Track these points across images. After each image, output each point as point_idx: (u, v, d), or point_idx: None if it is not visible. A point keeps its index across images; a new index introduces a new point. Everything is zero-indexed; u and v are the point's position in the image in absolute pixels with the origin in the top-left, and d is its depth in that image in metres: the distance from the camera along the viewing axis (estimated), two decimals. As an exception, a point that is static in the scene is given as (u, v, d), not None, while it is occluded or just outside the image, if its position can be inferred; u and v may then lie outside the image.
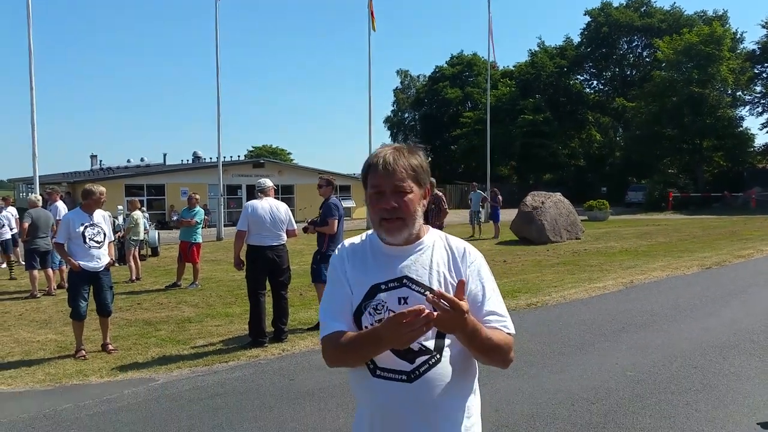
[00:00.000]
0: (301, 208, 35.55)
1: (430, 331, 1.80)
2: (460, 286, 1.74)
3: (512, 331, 1.93)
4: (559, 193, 21.65)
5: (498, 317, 1.92)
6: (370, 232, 2.04)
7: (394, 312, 1.82)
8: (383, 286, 1.91)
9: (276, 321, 7.54)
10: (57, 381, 6.14)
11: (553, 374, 5.79)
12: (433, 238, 2.02)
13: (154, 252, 17.93)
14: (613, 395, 5.20)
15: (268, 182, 7.92)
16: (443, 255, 1.98)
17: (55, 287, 11.39)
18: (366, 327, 1.89)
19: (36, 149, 17.19)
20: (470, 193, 23.74)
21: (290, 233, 7.68)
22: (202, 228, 12.60)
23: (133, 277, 12.84)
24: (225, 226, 24.88)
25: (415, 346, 1.83)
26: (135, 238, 13.29)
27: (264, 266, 7.41)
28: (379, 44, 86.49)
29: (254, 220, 7.36)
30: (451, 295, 1.70)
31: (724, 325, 7.67)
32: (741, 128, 44.96)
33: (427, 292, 1.84)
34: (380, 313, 1.89)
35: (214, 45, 23.70)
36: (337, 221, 7.72)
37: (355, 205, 37.92)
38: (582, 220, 22.54)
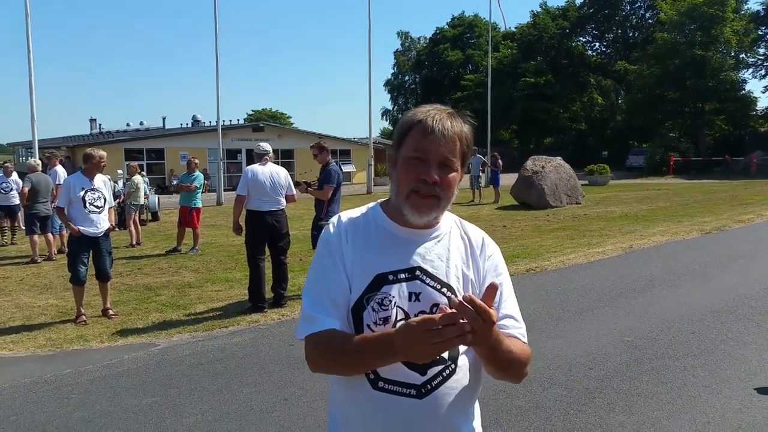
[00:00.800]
0: (302, 172, 35.43)
1: None
2: (492, 292, 1.41)
3: (527, 339, 1.67)
4: (559, 158, 21.55)
5: (515, 323, 1.65)
6: (372, 205, 1.71)
7: (404, 310, 1.55)
8: (391, 277, 1.57)
9: (275, 286, 7.56)
10: (58, 346, 6.18)
11: (550, 339, 5.83)
12: (449, 223, 1.71)
13: (154, 217, 17.93)
14: (611, 360, 5.24)
15: (267, 146, 7.86)
16: (460, 245, 1.68)
17: (56, 252, 11.40)
18: (368, 326, 1.54)
19: (35, 113, 17.11)
20: (470, 157, 23.61)
21: (289, 198, 7.66)
22: (202, 193, 12.57)
23: (134, 242, 12.85)
24: (225, 190, 24.82)
25: None
26: (135, 202, 13.28)
27: (263, 231, 7.40)
28: (380, 5, 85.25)
29: (254, 185, 7.32)
30: (477, 299, 1.37)
31: (723, 291, 7.69)
32: (743, 91, 44.53)
33: (450, 294, 1.57)
34: (386, 310, 1.54)
35: (213, 4, 23.34)
36: (333, 188, 7.67)
37: (355, 170, 37.78)
38: (582, 185, 22.48)
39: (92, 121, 50.11)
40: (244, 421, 4.20)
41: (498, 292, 1.55)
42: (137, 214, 13.56)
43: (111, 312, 7.23)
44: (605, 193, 24.66)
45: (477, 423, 1.69)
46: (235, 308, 7.47)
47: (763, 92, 56.32)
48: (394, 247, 1.61)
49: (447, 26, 62.99)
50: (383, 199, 1.71)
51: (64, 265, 8.05)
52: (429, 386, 1.53)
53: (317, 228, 7.76)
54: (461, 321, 1.33)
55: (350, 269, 1.59)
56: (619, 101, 57.60)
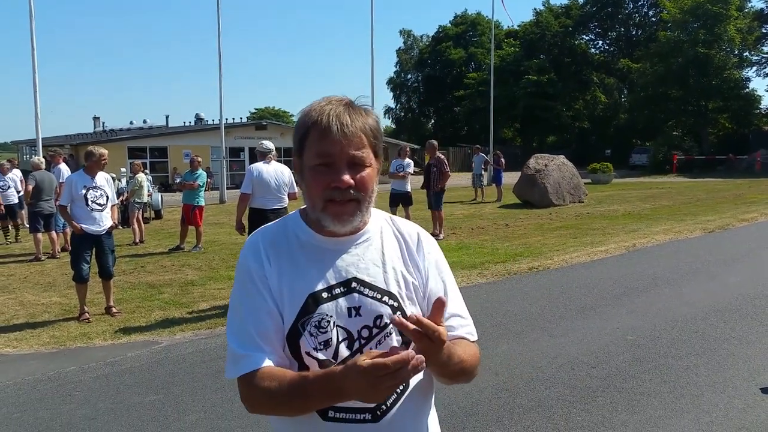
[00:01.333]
0: (304, 170, 35.39)
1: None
2: (440, 307, 1.28)
3: (476, 336, 1.56)
4: (562, 156, 21.53)
5: (462, 321, 1.53)
6: (291, 216, 1.55)
7: (344, 328, 1.41)
8: (325, 294, 1.42)
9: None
10: (61, 344, 6.20)
11: (553, 338, 5.82)
12: (378, 223, 1.55)
13: (158, 215, 17.96)
14: (614, 359, 5.23)
15: (271, 145, 7.85)
16: (394, 245, 1.53)
17: (59, 250, 11.43)
18: (307, 353, 1.39)
19: (38, 111, 17.11)
20: (473, 155, 23.59)
21: (291, 196, 7.67)
22: (205, 191, 12.58)
23: (137, 240, 12.87)
24: (228, 188, 24.86)
25: None
26: (138, 200, 13.31)
27: None
28: (382, 3, 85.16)
29: (259, 184, 7.32)
30: (425, 320, 1.25)
31: (726, 290, 7.67)
32: (747, 90, 44.38)
33: (392, 302, 1.44)
34: (325, 332, 1.39)
35: (216, 2, 23.35)
36: None
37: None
38: (585, 183, 22.45)
39: (96, 119, 50.18)
40: (247, 420, 4.20)
41: (443, 292, 1.51)
42: (140, 212, 13.59)
43: (114, 310, 7.24)
44: (608, 192, 24.62)
45: (434, 423, 1.58)
46: (238, 306, 7.46)
47: (767, 90, 56.02)
48: (323, 260, 1.46)
49: (449, 24, 62.89)
50: (303, 207, 1.54)
51: (67, 262, 8.07)
52: (384, 407, 1.41)
53: None
54: (415, 359, 1.19)
55: (278, 295, 1.42)
56: (622, 99, 57.49)
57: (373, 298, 1.44)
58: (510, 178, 22.81)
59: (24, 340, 6.34)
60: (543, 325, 6.26)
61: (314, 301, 1.41)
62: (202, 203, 12.27)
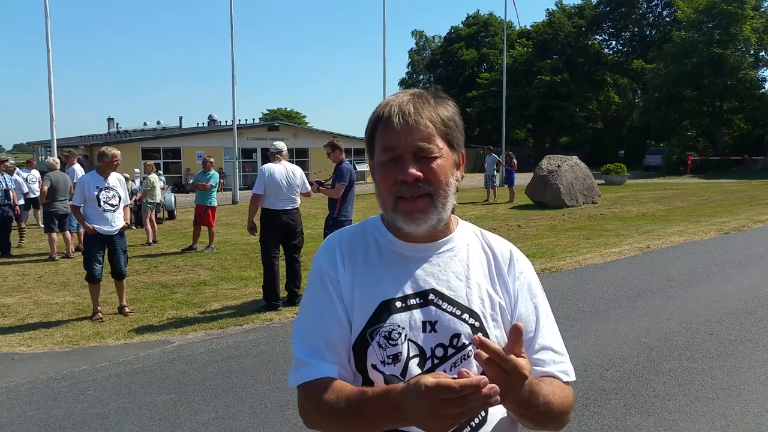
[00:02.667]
0: (316, 171, 35.51)
1: None
2: (517, 336, 1.13)
3: (572, 376, 1.37)
4: (575, 157, 21.40)
5: (554, 356, 1.36)
6: (373, 219, 1.43)
7: (417, 344, 1.27)
8: (399, 303, 1.30)
9: (289, 284, 7.57)
10: (75, 343, 6.23)
11: (566, 340, 5.68)
12: (466, 234, 1.42)
13: (171, 215, 18.05)
14: (627, 362, 5.19)
15: (282, 145, 7.86)
16: (482, 260, 1.39)
17: (74, 250, 11.51)
18: (373, 366, 1.27)
19: (53, 112, 17.26)
20: (485, 156, 23.51)
21: (306, 194, 7.74)
22: (218, 191, 12.63)
23: (150, 240, 12.94)
24: (240, 189, 24.94)
25: None
26: (151, 201, 13.39)
27: (278, 230, 7.42)
28: (395, 5, 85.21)
29: (271, 184, 7.34)
30: (503, 353, 1.10)
31: (742, 292, 7.59)
32: (763, 90, 44.08)
33: (473, 321, 1.30)
34: (395, 345, 1.27)
35: (229, 4, 23.47)
36: (345, 187, 7.67)
37: (369, 169, 37.80)
38: (599, 184, 22.31)
39: (110, 120, 50.52)
40: (258, 419, 4.20)
41: (534, 319, 1.36)
42: (153, 212, 13.66)
43: (127, 309, 7.28)
44: (622, 193, 24.46)
45: None
46: (250, 306, 7.49)
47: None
48: (400, 267, 1.33)
49: (462, 25, 62.81)
50: None
51: (81, 262, 8.12)
52: None
53: (330, 227, 7.75)
54: (488, 387, 1.05)
55: (349, 299, 1.32)
56: (636, 100, 57.15)
57: (451, 314, 1.30)
58: (522, 179, 22.72)
59: (38, 339, 6.38)
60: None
61: (386, 309, 1.29)
62: (215, 204, 12.32)
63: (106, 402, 4.60)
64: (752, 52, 42.81)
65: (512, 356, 1.11)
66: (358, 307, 1.31)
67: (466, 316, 1.30)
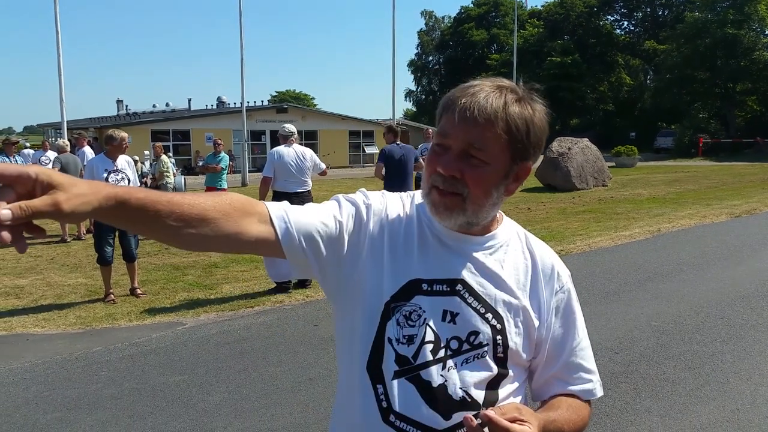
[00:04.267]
0: (325, 154, 35.52)
1: (478, 379, 1.25)
2: (512, 412, 1.14)
3: (599, 394, 1.37)
4: (586, 139, 21.26)
5: (584, 374, 1.35)
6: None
7: (434, 330, 1.25)
8: (425, 286, 1.26)
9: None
10: (87, 324, 6.30)
11: (576, 323, 5.77)
12: (509, 233, 1.36)
13: (180, 197, 18.09)
14: (637, 345, 5.19)
15: (292, 128, 7.86)
16: (520, 264, 1.34)
17: (85, 232, 11.59)
18: (389, 340, 1.25)
19: (63, 94, 17.30)
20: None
21: (322, 173, 8.09)
22: (227, 174, 12.65)
23: None
24: (249, 171, 24.98)
25: (457, 394, 1.23)
26: (170, 182, 13.48)
27: None
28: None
29: (280, 167, 7.35)
30: (499, 419, 1.10)
31: (753, 275, 7.56)
32: (777, 71, 43.41)
33: (495, 337, 1.27)
34: (413, 327, 1.24)
35: (236, -13, 23.35)
36: (383, 167, 8.29)
37: (378, 152, 37.76)
38: (609, 167, 22.19)
39: (119, 102, 50.59)
40: (270, 400, 4.24)
41: (566, 336, 1.34)
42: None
43: (139, 291, 7.34)
44: (633, 176, 24.32)
45: None
46: (260, 288, 7.53)
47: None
48: (437, 251, 1.29)
49: (472, 5, 62.24)
50: None
51: (92, 244, 8.16)
52: None
53: None
54: None
55: (373, 267, 1.27)
56: (648, 81, 56.59)
57: (475, 309, 1.26)
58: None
59: (51, 320, 6.45)
60: (565, 309, 6.21)
61: (413, 288, 1.25)
62: (225, 186, 12.32)
63: (120, 383, 4.66)
64: (767, 32, 42.23)
65: (513, 428, 1.10)
66: (387, 278, 1.26)
67: (489, 315, 1.27)
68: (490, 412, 1.11)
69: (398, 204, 1.34)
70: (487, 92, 1.20)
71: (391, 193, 1.38)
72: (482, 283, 1.28)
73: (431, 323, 1.25)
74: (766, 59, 41.59)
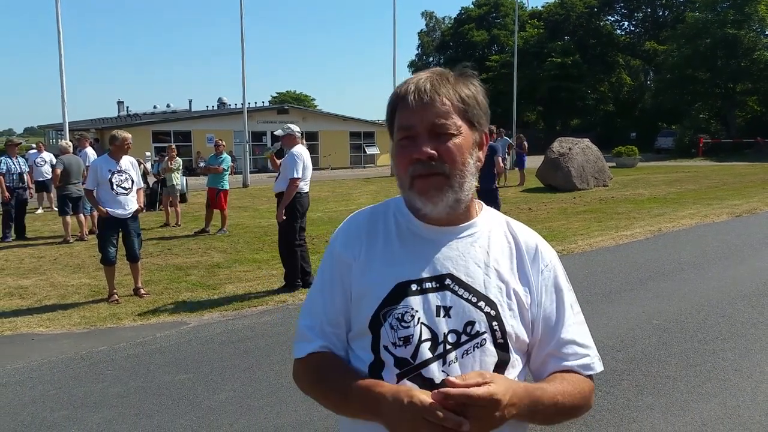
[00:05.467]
0: (326, 154, 35.60)
1: (480, 368, 1.27)
2: (474, 378, 1.16)
3: (598, 368, 1.37)
4: (586, 139, 21.29)
5: (578, 349, 1.35)
6: (397, 199, 1.40)
7: (431, 328, 1.27)
8: (414, 286, 1.29)
9: (303, 266, 7.61)
10: (92, 324, 6.34)
11: (578, 322, 5.80)
12: (490, 219, 1.40)
13: (182, 198, 18.13)
14: (639, 343, 5.22)
15: (298, 128, 7.84)
16: (504, 248, 1.37)
17: (87, 232, 11.63)
18: (385, 347, 1.28)
19: (65, 96, 17.33)
20: (496, 139, 23.45)
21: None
22: (229, 175, 12.70)
23: (179, 222, 13.16)
24: (250, 172, 24.99)
25: None
26: (176, 183, 13.57)
27: (304, 213, 7.46)
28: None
29: (306, 168, 7.29)
30: (459, 389, 1.13)
31: (754, 274, 7.59)
32: (778, 71, 43.38)
33: (491, 323, 1.28)
34: (407, 328, 1.26)
35: (237, -12, 23.37)
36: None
37: (379, 152, 37.77)
38: (610, 167, 22.20)
39: (120, 103, 50.66)
40: (275, 398, 4.28)
41: (558, 313, 1.36)
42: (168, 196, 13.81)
43: (142, 291, 7.37)
44: (633, 176, 24.34)
45: None
46: (264, 288, 7.57)
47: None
48: (419, 249, 1.32)
49: (472, 6, 62.23)
50: None
51: (95, 245, 8.21)
52: None
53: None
54: (462, 423, 1.12)
55: (361, 278, 1.33)
56: (648, 82, 56.60)
57: (467, 300, 1.28)
58: (533, 161, 22.66)
59: (56, 320, 6.49)
60: (567, 308, 6.24)
61: (402, 291, 1.28)
62: (227, 187, 12.38)
63: (126, 381, 4.69)
64: (767, 32, 42.23)
65: (472, 392, 1.13)
66: (374, 286, 1.31)
67: (482, 303, 1.29)
68: (451, 377, 1.17)
69: (366, 219, 1.40)
70: (428, 76, 1.30)
71: (353, 214, 1.46)
72: (470, 272, 1.31)
73: (426, 321, 1.27)
74: (766, 59, 41.59)
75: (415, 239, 1.34)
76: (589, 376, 1.37)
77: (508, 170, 23.16)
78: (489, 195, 9.45)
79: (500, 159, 10.06)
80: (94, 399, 4.37)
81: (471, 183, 1.31)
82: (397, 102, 1.30)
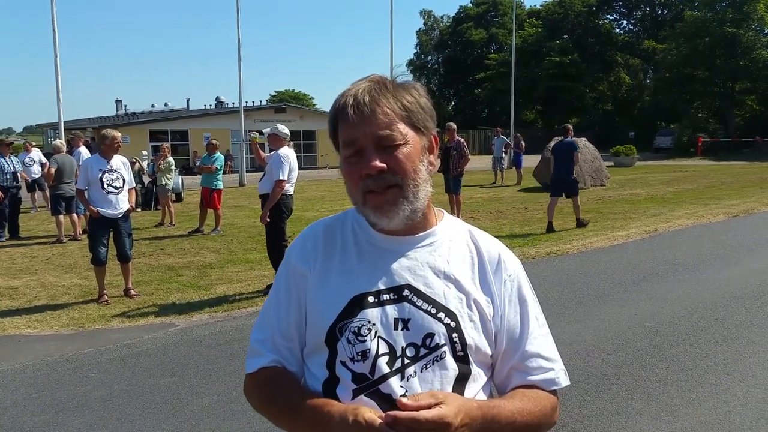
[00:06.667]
0: (323, 153, 35.53)
1: (440, 382, 1.22)
2: (426, 399, 1.12)
3: (563, 383, 1.32)
4: (584, 138, 21.21)
5: (542, 362, 1.31)
6: (353, 209, 1.34)
7: (388, 341, 1.22)
8: (371, 299, 1.25)
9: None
10: (80, 325, 6.28)
11: (569, 324, 5.76)
12: (451, 229, 1.35)
13: (178, 198, 18.09)
14: (630, 346, 5.17)
15: (287, 130, 7.79)
16: (466, 257, 1.32)
17: (81, 232, 11.56)
18: (343, 363, 1.23)
19: (60, 94, 17.23)
20: (493, 138, 23.41)
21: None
22: (224, 174, 12.63)
23: (173, 222, 13.09)
24: (247, 172, 24.93)
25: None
26: (168, 183, 13.52)
27: (289, 214, 7.43)
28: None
29: (292, 170, 7.27)
30: (404, 412, 1.09)
31: (749, 276, 7.54)
32: (777, 70, 43.35)
33: (451, 335, 1.23)
34: (364, 342, 1.22)
35: (234, -14, 23.29)
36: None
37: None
38: (608, 166, 22.17)
39: (118, 102, 50.57)
40: (260, 403, 4.22)
41: (521, 325, 1.31)
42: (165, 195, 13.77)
43: (132, 292, 7.31)
44: (631, 175, 24.30)
45: None
46: (255, 289, 7.51)
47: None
48: (376, 260, 1.29)
49: (471, 4, 62.18)
50: None
51: (87, 245, 8.16)
52: None
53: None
54: None
55: (317, 290, 1.29)
56: (647, 81, 56.56)
57: (426, 312, 1.24)
58: (531, 161, 22.59)
59: (44, 321, 6.43)
60: (560, 310, 6.20)
61: (358, 304, 1.24)
62: (221, 186, 12.31)
63: (110, 385, 4.63)
64: (766, 31, 42.18)
65: (420, 415, 1.08)
66: (330, 300, 1.26)
67: (441, 315, 1.24)
68: (403, 399, 1.13)
69: (323, 231, 1.37)
70: (365, 86, 1.25)
71: (310, 225, 1.43)
72: (429, 282, 1.26)
73: (383, 335, 1.23)
74: (765, 58, 41.55)
75: (373, 250, 1.30)
76: (554, 391, 1.32)
77: (506, 169, 23.12)
78: (571, 185, 11.57)
79: (578, 154, 11.84)
80: (77, 403, 4.31)
81: (426, 190, 1.26)
82: (337, 116, 1.26)
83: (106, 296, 7.10)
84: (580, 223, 11.59)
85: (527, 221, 12.55)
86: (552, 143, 12.11)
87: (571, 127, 12.02)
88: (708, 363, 4.77)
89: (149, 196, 15.66)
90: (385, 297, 1.25)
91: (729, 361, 4.82)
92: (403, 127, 1.23)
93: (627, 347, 5.14)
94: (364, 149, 1.22)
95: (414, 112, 1.26)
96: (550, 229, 11.14)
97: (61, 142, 12.12)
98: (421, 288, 1.26)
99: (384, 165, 1.21)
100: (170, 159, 13.85)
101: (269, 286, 7.22)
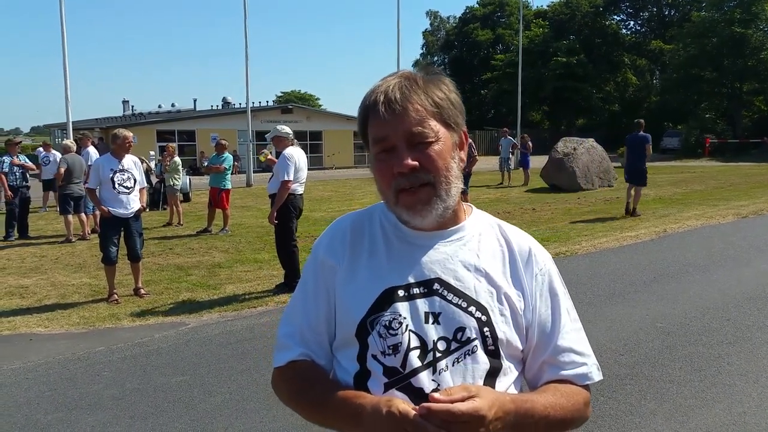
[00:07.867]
0: (329, 154, 35.56)
1: (471, 376, 1.21)
2: (459, 392, 1.12)
3: (596, 378, 1.32)
4: (591, 139, 21.18)
5: (574, 357, 1.30)
6: (382, 204, 1.34)
7: (419, 335, 1.21)
8: (402, 292, 1.24)
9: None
10: (91, 324, 6.29)
11: (581, 324, 5.73)
12: (479, 222, 1.35)
13: (186, 198, 18.12)
14: (642, 347, 5.14)
15: (289, 129, 7.79)
16: (496, 252, 1.31)
17: (89, 232, 11.60)
18: (374, 356, 1.22)
19: (69, 94, 17.32)
20: (500, 139, 23.37)
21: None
22: (232, 174, 12.65)
23: (181, 221, 13.12)
24: (254, 172, 24.97)
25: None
26: (176, 183, 13.55)
27: (298, 214, 7.43)
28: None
29: (299, 169, 7.27)
30: (440, 404, 1.08)
31: (760, 277, 7.49)
32: (785, 71, 43.15)
33: (482, 329, 1.22)
34: (395, 336, 1.21)
35: (241, -13, 23.32)
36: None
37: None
38: (615, 167, 22.04)
39: (125, 102, 50.75)
40: (272, 401, 4.21)
41: (553, 320, 1.30)
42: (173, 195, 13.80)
43: (142, 291, 7.33)
44: (638, 176, 24.17)
45: None
46: (264, 288, 7.51)
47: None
48: (406, 254, 1.28)
49: (477, 5, 62.15)
50: None
51: (97, 244, 8.18)
52: None
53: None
54: None
55: (346, 285, 1.28)
56: (654, 81, 56.39)
57: (457, 305, 1.23)
58: (538, 161, 22.55)
59: (55, 320, 6.45)
60: (570, 310, 6.16)
61: (389, 298, 1.24)
62: (229, 186, 12.33)
63: (122, 383, 4.64)
64: (774, 32, 42.00)
65: (455, 408, 1.08)
66: (360, 294, 1.26)
67: (472, 309, 1.24)
68: (435, 393, 1.12)
69: (352, 226, 1.35)
70: (396, 82, 1.24)
71: (337, 219, 1.41)
72: (459, 276, 1.26)
73: (414, 328, 1.22)
74: (774, 59, 41.40)
75: (402, 245, 1.30)
76: (586, 386, 1.31)
77: (513, 170, 23.07)
78: (641, 174, 13.02)
79: (650, 146, 13.29)
80: (89, 401, 4.32)
81: (457, 187, 1.26)
82: (368, 113, 1.25)
83: (116, 295, 7.12)
84: (633, 212, 12.69)
85: (535, 222, 12.52)
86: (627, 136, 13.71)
87: (643, 122, 13.91)
88: (721, 363, 4.75)
89: (157, 196, 15.70)
90: (415, 291, 1.24)
91: (742, 362, 4.79)
92: (434, 124, 1.22)
93: (639, 348, 5.12)
94: (396, 147, 1.21)
95: (445, 108, 1.25)
96: (628, 211, 12.75)
97: (70, 142, 12.16)
98: (452, 282, 1.25)
99: (416, 163, 1.20)
100: (177, 159, 13.88)
101: (278, 286, 7.29)
